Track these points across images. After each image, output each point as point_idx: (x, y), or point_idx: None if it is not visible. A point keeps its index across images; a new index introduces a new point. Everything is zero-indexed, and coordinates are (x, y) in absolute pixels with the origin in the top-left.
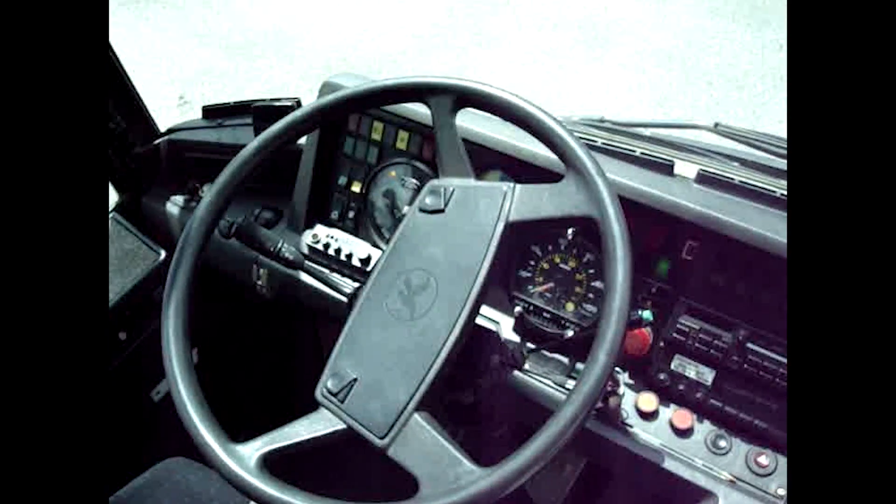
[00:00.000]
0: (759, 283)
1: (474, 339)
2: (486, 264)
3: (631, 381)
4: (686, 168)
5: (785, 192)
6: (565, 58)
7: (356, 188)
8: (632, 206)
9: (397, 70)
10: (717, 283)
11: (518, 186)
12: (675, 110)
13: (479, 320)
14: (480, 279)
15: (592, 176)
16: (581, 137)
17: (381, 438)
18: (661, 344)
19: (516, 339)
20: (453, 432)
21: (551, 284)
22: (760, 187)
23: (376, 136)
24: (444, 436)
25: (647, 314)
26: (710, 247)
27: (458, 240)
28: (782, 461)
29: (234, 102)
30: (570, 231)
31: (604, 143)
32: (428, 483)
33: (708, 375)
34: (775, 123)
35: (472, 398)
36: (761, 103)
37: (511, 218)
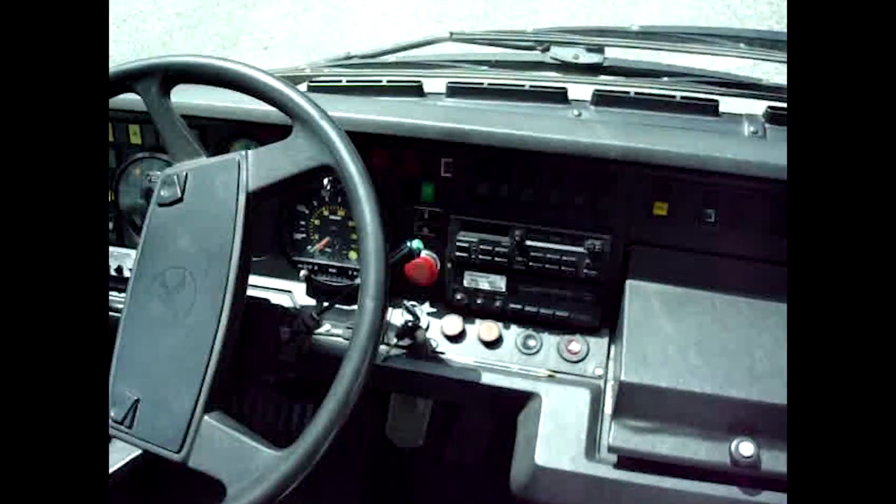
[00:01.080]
0: (520, 182)
1: (256, 319)
2: (238, 243)
3: (433, 310)
4: (437, 84)
5: (535, 84)
6: None
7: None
8: (381, 139)
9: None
10: (483, 193)
11: (250, 152)
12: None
13: (266, 294)
14: (235, 260)
15: (318, 122)
16: (326, 80)
17: (178, 452)
18: (449, 265)
19: (312, 302)
20: (302, 409)
21: (328, 239)
22: (509, 85)
23: (109, 137)
24: (239, 429)
25: (415, 244)
26: (464, 159)
27: (203, 225)
28: (592, 342)
29: None
30: (325, 181)
31: (349, 81)
32: (233, 482)
33: (500, 282)
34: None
35: (294, 374)
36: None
37: (250, 187)
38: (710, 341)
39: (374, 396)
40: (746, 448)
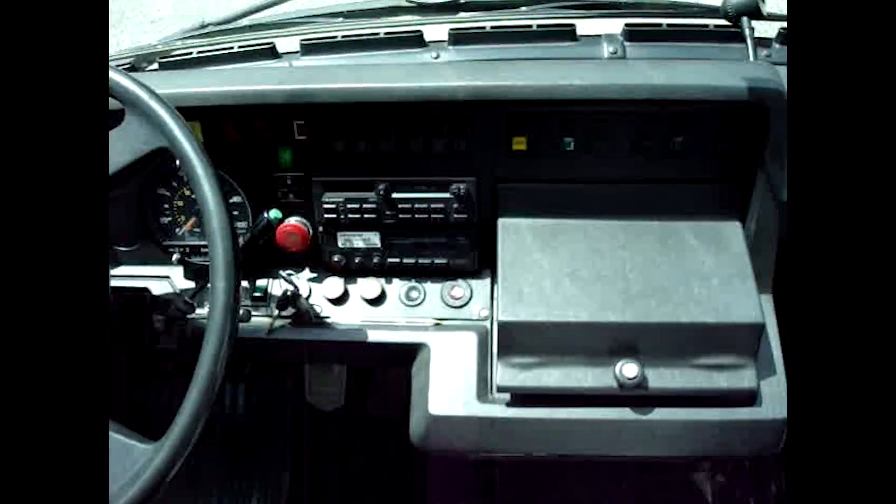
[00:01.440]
0: (376, 136)
1: (126, 312)
2: None
3: (312, 275)
4: (293, 43)
5: (390, 30)
6: None
7: None
8: (230, 110)
9: None
10: (341, 151)
11: None
12: None
13: (145, 283)
14: None
15: (147, 104)
16: (177, 55)
17: None
18: (320, 229)
19: (191, 284)
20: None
21: (194, 219)
22: (363, 35)
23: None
24: (112, 428)
25: (273, 213)
26: (316, 120)
27: None
28: (475, 284)
29: None
30: (177, 161)
31: (200, 53)
32: (113, 481)
33: (374, 238)
34: None
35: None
36: None
37: None
38: (584, 269)
39: (287, 364)
40: (630, 369)
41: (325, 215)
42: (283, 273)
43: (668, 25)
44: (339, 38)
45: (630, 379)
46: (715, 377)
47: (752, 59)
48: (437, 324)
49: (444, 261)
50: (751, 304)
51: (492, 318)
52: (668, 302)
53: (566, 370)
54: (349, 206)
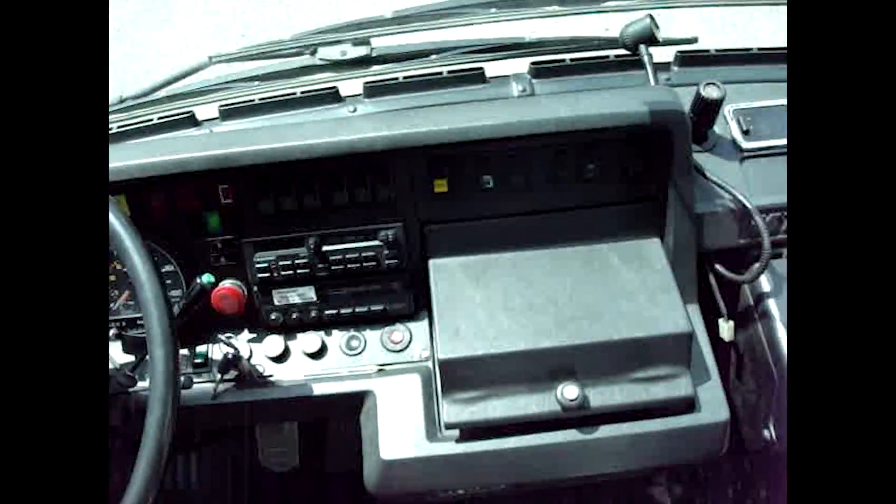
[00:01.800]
0: (301, 191)
1: None
2: None
3: (252, 335)
4: (212, 110)
5: (306, 89)
6: None
7: None
8: (154, 181)
9: None
10: (268, 210)
11: None
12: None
13: None
14: None
15: None
16: None
17: None
18: (255, 289)
19: (131, 358)
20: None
21: (127, 292)
22: (280, 96)
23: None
24: None
25: (205, 278)
26: (241, 182)
27: None
28: (413, 327)
29: None
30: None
31: (120, 127)
32: None
33: (310, 293)
34: None
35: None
36: None
37: None
38: (516, 300)
39: (238, 429)
40: (571, 391)
41: (259, 275)
42: (223, 336)
43: (572, 60)
44: (256, 101)
45: (571, 401)
46: (653, 389)
47: (652, 83)
48: (381, 370)
49: (380, 307)
50: (678, 315)
51: (433, 358)
52: (599, 322)
53: (510, 399)
54: (281, 263)
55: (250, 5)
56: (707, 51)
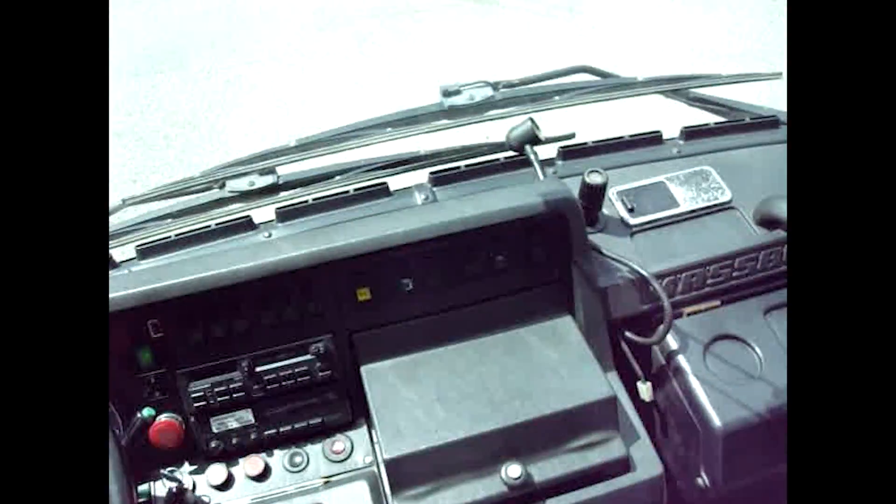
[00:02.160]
0: (230, 317)
1: None
2: None
3: (194, 466)
4: (126, 251)
5: (220, 221)
6: None
7: None
8: None
9: None
10: (199, 339)
11: None
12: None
13: None
14: None
15: None
16: None
17: None
18: (193, 419)
19: None
20: None
21: None
22: (196, 230)
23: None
24: None
25: (145, 412)
26: (170, 315)
27: None
28: (354, 435)
29: None
30: None
31: None
32: None
33: (247, 415)
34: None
35: None
36: None
37: None
38: (450, 392)
39: None
40: (514, 470)
41: (195, 405)
42: (165, 471)
43: (466, 166)
44: (173, 238)
45: (516, 479)
46: (589, 455)
47: (541, 178)
48: (327, 482)
49: (318, 420)
50: (599, 383)
51: (377, 462)
52: (530, 400)
53: (458, 488)
54: (216, 390)
55: (139, 151)
56: (585, 143)
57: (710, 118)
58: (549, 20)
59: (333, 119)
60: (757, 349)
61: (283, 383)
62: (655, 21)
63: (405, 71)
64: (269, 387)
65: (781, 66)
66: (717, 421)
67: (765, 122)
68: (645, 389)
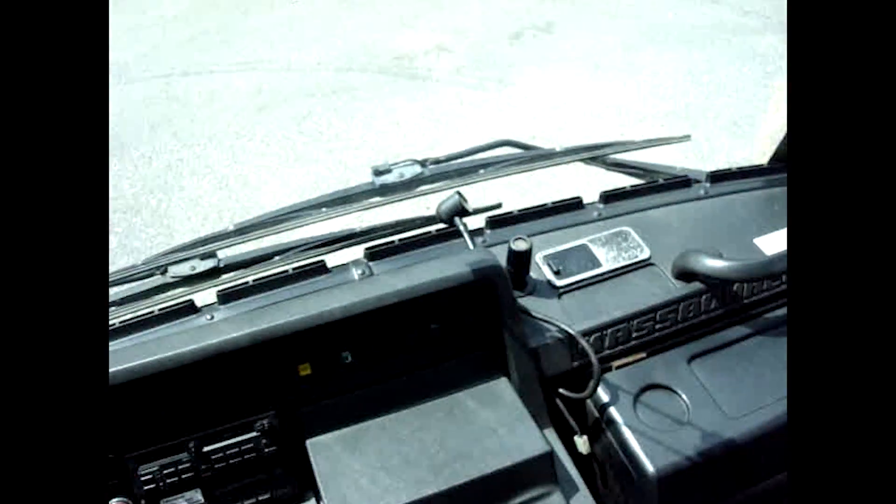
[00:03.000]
0: (175, 400)
1: None
2: None
3: None
4: None
5: (163, 306)
6: None
7: None
8: None
9: None
10: (144, 422)
11: None
12: None
13: None
14: None
15: None
16: None
17: None
18: (143, 502)
19: None
20: None
21: None
22: (139, 317)
23: None
24: None
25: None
26: (115, 400)
27: None
28: None
29: None
30: None
31: None
32: None
33: (197, 496)
34: None
35: None
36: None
37: None
38: (393, 459)
39: None
40: None
41: (145, 487)
42: None
43: (400, 241)
44: (117, 325)
45: None
46: None
47: (471, 247)
48: None
49: (267, 495)
50: (535, 439)
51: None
52: (470, 461)
53: None
54: (165, 472)
55: None
56: (511, 212)
57: (628, 181)
58: (481, 92)
59: (275, 197)
60: (683, 396)
61: (231, 461)
62: (583, 87)
63: (343, 148)
64: (216, 466)
65: (703, 124)
66: (650, 467)
67: (678, 182)
68: (582, 443)
